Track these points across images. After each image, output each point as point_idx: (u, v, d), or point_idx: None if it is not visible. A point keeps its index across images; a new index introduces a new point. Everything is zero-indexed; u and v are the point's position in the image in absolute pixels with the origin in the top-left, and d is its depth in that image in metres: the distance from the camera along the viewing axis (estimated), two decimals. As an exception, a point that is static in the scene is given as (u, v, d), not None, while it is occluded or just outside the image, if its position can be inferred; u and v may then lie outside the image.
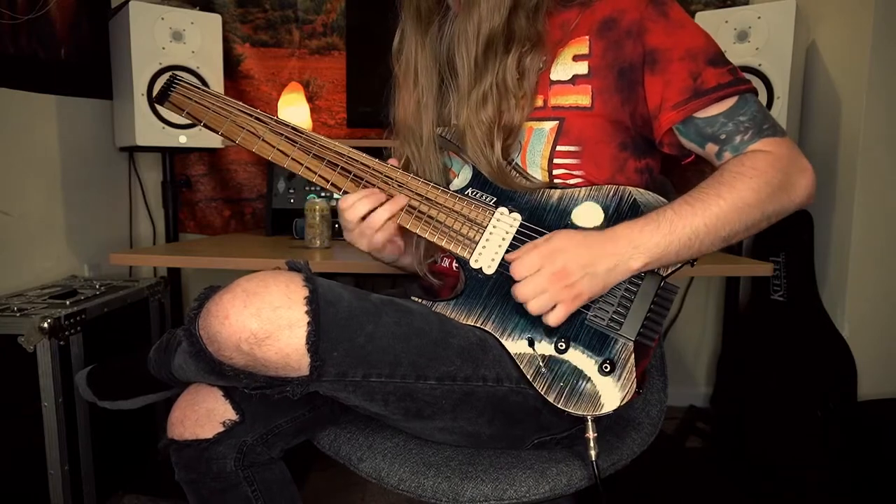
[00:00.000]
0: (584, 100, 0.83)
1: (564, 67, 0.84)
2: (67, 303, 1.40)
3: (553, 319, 0.75)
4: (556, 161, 0.84)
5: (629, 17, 0.80)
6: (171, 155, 1.82)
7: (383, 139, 1.01)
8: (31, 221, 1.65)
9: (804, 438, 1.64)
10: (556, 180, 0.85)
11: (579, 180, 0.84)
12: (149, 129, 1.66)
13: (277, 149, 0.83)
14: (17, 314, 1.30)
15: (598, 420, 0.76)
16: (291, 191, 1.74)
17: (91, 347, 1.39)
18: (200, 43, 1.70)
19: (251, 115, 0.84)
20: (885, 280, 1.68)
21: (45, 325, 1.26)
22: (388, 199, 0.84)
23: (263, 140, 0.83)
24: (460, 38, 0.84)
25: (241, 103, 0.84)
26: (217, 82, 1.74)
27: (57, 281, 1.66)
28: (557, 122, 0.84)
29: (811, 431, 1.64)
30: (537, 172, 0.85)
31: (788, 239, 1.79)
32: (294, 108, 1.91)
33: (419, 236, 0.85)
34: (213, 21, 1.74)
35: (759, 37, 1.61)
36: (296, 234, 1.63)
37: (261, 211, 2.10)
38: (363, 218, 0.84)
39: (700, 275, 2.03)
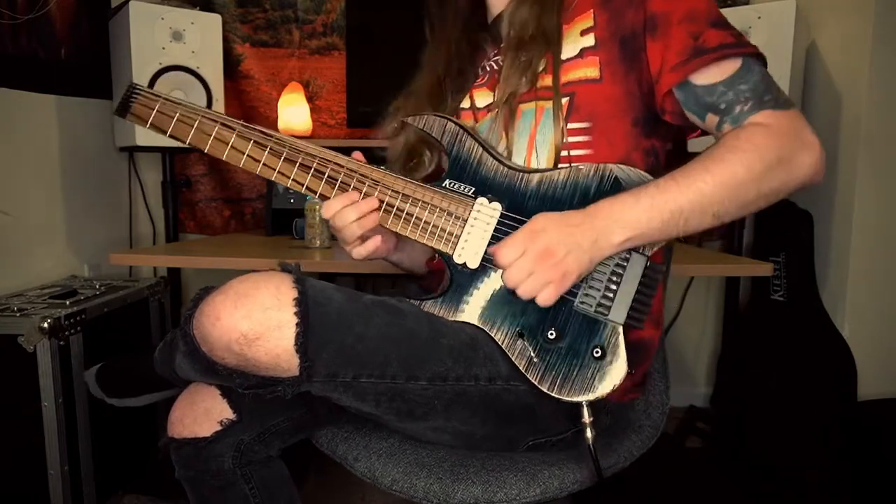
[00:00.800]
0: (592, 72, 0.81)
1: (572, 44, 0.83)
2: (67, 303, 1.40)
3: (544, 300, 0.73)
4: (567, 140, 0.81)
5: None
6: (171, 155, 1.83)
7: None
8: (31, 221, 1.65)
9: (804, 438, 1.64)
10: (569, 161, 0.82)
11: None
12: (149, 130, 1.65)
13: (248, 155, 0.80)
14: (17, 314, 1.30)
15: (596, 420, 0.76)
16: (291, 191, 1.74)
17: (91, 347, 1.39)
18: (200, 43, 1.70)
19: (216, 122, 0.80)
20: (885, 280, 1.68)
21: (45, 325, 1.26)
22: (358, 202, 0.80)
23: (232, 147, 0.80)
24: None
25: (205, 109, 0.81)
26: (217, 82, 1.74)
27: (57, 281, 1.67)
28: (567, 97, 0.82)
29: (811, 431, 1.64)
30: (548, 152, 0.83)
31: (788, 239, 1.79)
32: (294, 108, 1.91)
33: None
34: (213, 21, 1.74)
35: (759, 37, 1.61)
36: (296, 234, 1.63)
37: (261, 211, 2.10)
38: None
39: (700, 275, 2.03)
